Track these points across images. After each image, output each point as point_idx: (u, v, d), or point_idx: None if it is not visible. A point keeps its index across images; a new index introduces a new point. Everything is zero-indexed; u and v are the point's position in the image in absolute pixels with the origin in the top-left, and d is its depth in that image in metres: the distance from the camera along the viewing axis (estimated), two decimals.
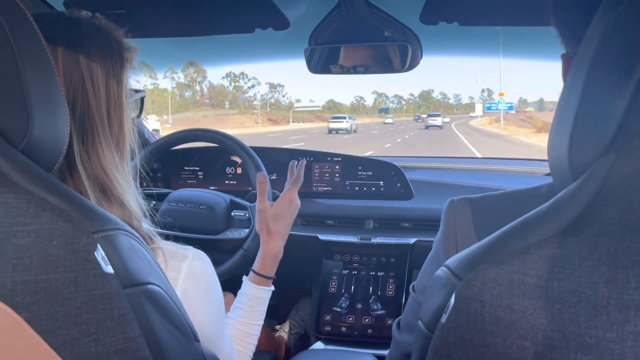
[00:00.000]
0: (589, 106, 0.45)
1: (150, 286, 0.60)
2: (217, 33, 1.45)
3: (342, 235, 1.76)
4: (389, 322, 1.62)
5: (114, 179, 0.74)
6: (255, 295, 1.13)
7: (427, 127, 42.29)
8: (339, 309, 1.66)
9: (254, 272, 1.16)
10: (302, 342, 1.92)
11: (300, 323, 1.95)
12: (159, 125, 31.56)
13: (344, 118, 36.65)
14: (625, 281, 0.41)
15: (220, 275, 0.86)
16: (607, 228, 0.43)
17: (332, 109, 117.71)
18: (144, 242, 0.64)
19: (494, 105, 55.98)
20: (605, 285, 0.42)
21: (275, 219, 1.20)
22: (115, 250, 0.57)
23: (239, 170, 1.93)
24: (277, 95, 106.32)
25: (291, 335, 1.89)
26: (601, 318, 0.41)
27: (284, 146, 2.02)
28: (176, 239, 0.81)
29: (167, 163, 1.95)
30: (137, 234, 0.63)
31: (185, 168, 1.95)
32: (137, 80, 0.86)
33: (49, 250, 0.53)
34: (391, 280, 1.69)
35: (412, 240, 1.69)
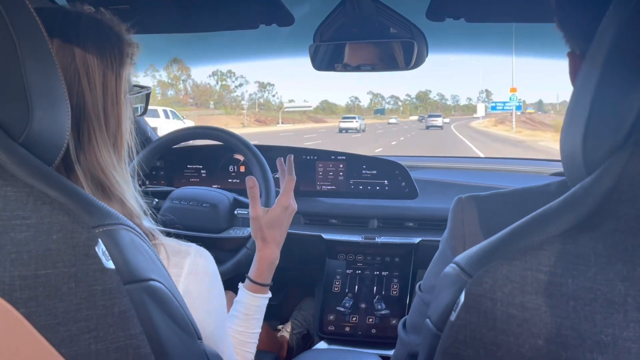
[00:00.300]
0: (603, 101, 0.45)
1: (152, 282, 0.59)
2: (221, 29, 1.44)
3: (346, 234, 1.75)
4: (393, 322, 1.61)
5: (112, 178, 0.72)
6: (252, 303, 1.11)
7: (427, 127, 43.30)
8: (342, 309, 1.65)
9: (250, 279, 1.13)
10: (305, 341, 1.90)
11: (303, 323, 1.94)
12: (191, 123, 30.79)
13: (354, 118, 39.05)
14: None
15: (222, 274, 0.85)
16: (624, 224, 0.42)
17: (326, 109, 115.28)
18: (146, 237, 0.63)
19: (500, 105, 48.43)
20: (622, 283, 0.40)
21: (270, 227, 1.15)
22: (117, 245, 0.56)
23: (243, 169, 1.92)
24: (266, 94, 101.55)
25: (293, 335, 1.87)
26: (618, 316, 0.40)
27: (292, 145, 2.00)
28: (178, 237, 0.80)
29: (169, 161, 1.94)
30: (138, 230, 0.62)
31: (188, 166, 1.95)
32: None
33: (48, 245, 0.52)
34: (395, 280, 1.68)
35: (416, 240, 1.68)
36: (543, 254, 0.44)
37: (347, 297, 1.67)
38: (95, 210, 0.56)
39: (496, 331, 0.44)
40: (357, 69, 1.41)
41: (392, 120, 63.36)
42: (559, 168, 2.02)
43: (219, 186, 1.89)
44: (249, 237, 1.46)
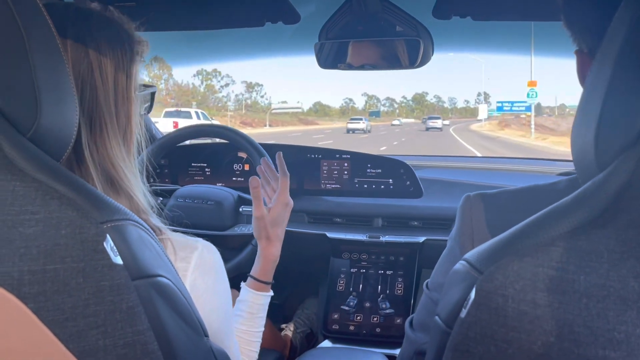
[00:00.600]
0: (615, 98, 0.44)
1: (159, 278, 0.59)
2: (227, 27, 1.44)
3: (350, 233, 1.75)
4: (398, 321, 1.60)
5: (120, 171, 0.73)
6: (256, 301, 1.11)
7: (427, 129, 43.99)
8: (347, 308, 1.64)
9: (254, 278, 1.14)
10: (308, 340, 1.90)
11: (306, 322, 1.94)
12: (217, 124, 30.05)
13: (360, 119, 41.22)
14: None
15: (228, 272, 0.85)
16: (637, 221, 0.41)
17: (319, 111, 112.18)
18: (153, 233, 0.63)
19: (507, 105, 40.59)
20: (635, 280, 0.40)
21: (273, 225, 1.17)
22: (125, 241, 0.56)
23: (247, 167, 1.92)
24: (255, 95, 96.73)
25: (297, 334, 1.87)
26: (631, 313, 0.40)
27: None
28: (185, 233, 0.80)
29: (174, 159, 1.94)
30: (146, 225, 0.62)
31: (193, 164, 1.95)
32: None
33: (56, 240, 0.52)
34: (400, 279, 1.67)
35: (421, 239, 1.68)
36: (555, 251, 0.44)
37: (351, 296, 1.66)
38: (103, 206, 0.56)
39: (507, 328, 0.44)
40: (364, 67, 1.41)
41: (396, 122, 64.17)
42: (565, 168, 2.01)
43: (223, 184, 1.89)
44: None
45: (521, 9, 1.24)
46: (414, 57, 1.35)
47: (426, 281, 0.82)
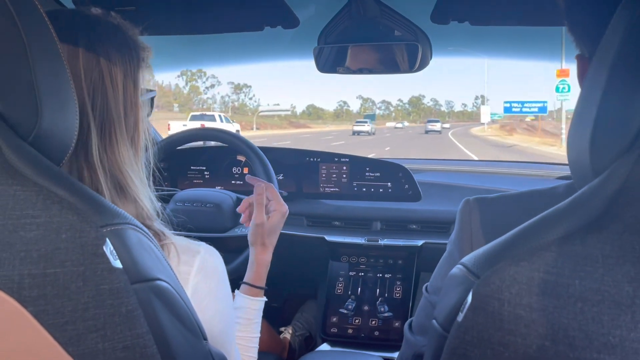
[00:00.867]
0: (610, 103, 0.45)
1: (158, 282, 0.59)
2: (226, 31, 1.44)
3: (349, 236, 1.75)
4: (396, 324, 1.61)
5: (128, 177, 0.74)
6: (252, 307, 1.13)
7: (426, 131, 44.91)
8: (345, 311, 1.65)
9: (249, 284, 1.16)
10: (307, 344, 1.90)
11: (305, 325, 1.94)
12: (238, 127, 30.38)
13: (366, 122, 43.64)
14: None
15: (230, 273, 0.86)
16: (632, 226, 0.42)
17: (313, 114, 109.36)
18: (152, 237, 0.63)
19: (517, 106, 33.75)
20: (629, 284, 0.40)
21: (270, 233, 1.20)
22: (124, 245, 0.56)
23: (246, 170, 1.92)
24: (242, 97, 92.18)
25: (296, 337, 1.87)
26: (625, 317, 0.40)
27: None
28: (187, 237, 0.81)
29: (173, 163, 1.94)
30: (146, 229, 0.62)
31: (192, 168, 1.95)
32: None
33: (57, 244, 0.53)
34: (398, 283, 1.68)
35: (420, 242, 1.68)
36: (550, 255, 0.44)
37: (350, 299, 1.67)
38: (103, 210, 0.57)
39: (503, 332, 0.45)
40: (365, 70, 1.42)
41: (399, 125, 64.57)
42: (564, 172, 2.02)
43: (222, 187, 1.89)
44: None
45: (519, 14, 1.25)
46: (412, 62, 1.36)
47: (425, 284, 0.82)
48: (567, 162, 0.53)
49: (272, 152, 1.84)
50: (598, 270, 0.42)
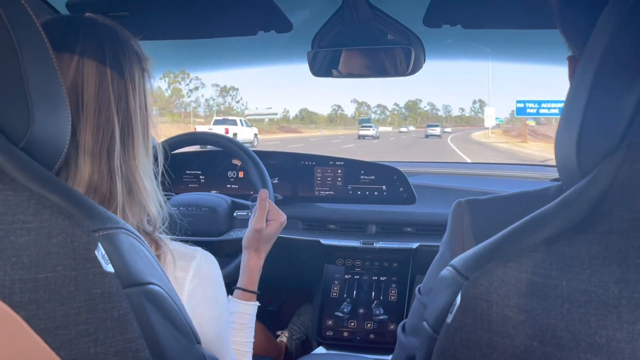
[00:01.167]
0: (597, 103, 0.45)
1: (151, 286, 0.60)
2: (220, 36, 1.45)
3: (344, 239, 1.75)
4: (392, 327, 1.61)
5: (141, 183, 0.76)
6: (245, 312, 1.14)
7: (427, 135, 45.43)
8: (341, 314, 1.65)
9: (242, 289, 1.17)
10: (304, 347, 1.90)
11: (302, 328, 1.94)
12: (256, 131, 31.25)
13: (371, 127, 45.36)
14: (637, 280, 0.40)
15: (225, 277, 0.86)
16: (618, 226, 0.42)
17: (306, 119, 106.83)
18: (145, 242, 0.64)
19: (532, 107, 28.45)
20: (616, 285, 0.41)
21: (267, 241, 1.22)
22: (116, 249, 0.57)
23: (241, 174, 1.92)
24: (229, 100, 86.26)
25: (292, 341, 1.87)
26: (612, 318, 0.40)
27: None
28: (181, 242, 0.81)
29: (168, 167, 1.94)
30: (138, 234, 0.62)
31: (187, 172, 1.95)
32: None
33: (48, 249, 0.53)
34: (394, 285, 1.68)
35: (414, 245, 1.68)
36: (538, 256, 0.44)
37: (345, 302, 1.67)
38: (95, 214, 0.57)
39: (492, 333, 0.45)
40: (359, 74, 1.42)
41: (403, 129, 65.85)
42: (556, 174, 2.02)
43: (217, 191, 1.90)
44: None
45: (511, 18, 1.26)
46: (406, 65, 1.36)
47: (418, 286, 0.83)
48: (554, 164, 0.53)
49: (266, 156, 1.85)
50: (585, 271, 0.42)
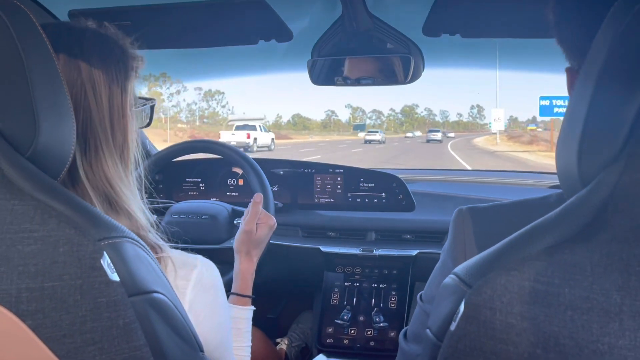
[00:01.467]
0: (598, 113, 0.46)
1: (155, 295, 0.60)
2: (220, 45, 1.46)
3: (344, 247, 1.75)
4: (392, 334, 1.61)
5: (119, 191, 0.73)
6: (242, 316, 1.14)
7: (428, 140, 46.04)
8: (341, 321, 1.64)
9: (237, 294, 1.17)
10: (303, 355, 1.90)
11: (301, 336, 1.94)
12: (273, 135, 31.95)
13: (377, 132, 45.84)
14: (638, 288, 0.41)
15: (227, 284, 0.86)
16: (619, 234, 0.43)
17: (298, 124, 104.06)
18: (150, 250, 0.64)
19: (561, 105, 20.10)
20: (618, 292, 0.41)
21: (257, 244, 1.22)
22: (121, 258, 0.57)
23: (241, 182, 1.93)
24: (215, 105, 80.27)
25: (292, 348, 1.87)
26: (614, 325, 0.41)
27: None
28: (182, 250, 0.81)
29: (168, 175, 1.95)
30: (143, 243, 0.63)
31: (187, 180, 1.95)
32: None
33: (54, 258, 0.53)
34: (393, 292, 1.68)
35: (414, 252, 1.69)
36: (540, 264, 0.45)
37: (345, 310, 1.67)
38: (100, 224, 0.57)
39: (495, 340, 0.45)
40: (357, 82, 1.43)
41: (409, 135, 66.29)
42: (556, 181, 2.03)
43: (217, 199, 1.90)
44: None
45: (509, 27, 1.27)
46: (405, 74, 1.38)
47: (420, 293, 0.83)
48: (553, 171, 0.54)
49: (266, 164, 1.85)
50: (587, 279, 0.43)
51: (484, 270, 0.48)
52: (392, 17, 1.29)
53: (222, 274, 0.86)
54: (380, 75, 1.42)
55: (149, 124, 0.92)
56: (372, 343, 1.62)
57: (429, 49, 1.38)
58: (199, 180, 1.95)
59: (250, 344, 1.13)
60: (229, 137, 26.58)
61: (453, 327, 0.49)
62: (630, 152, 0.44)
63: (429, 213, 1.82)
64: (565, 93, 0.62)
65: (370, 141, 41.69)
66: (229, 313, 0.86)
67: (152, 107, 0.90)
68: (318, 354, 1.65)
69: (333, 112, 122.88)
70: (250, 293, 1.19)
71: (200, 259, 0.79)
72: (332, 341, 1.65)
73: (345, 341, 1.64)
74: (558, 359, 0.42)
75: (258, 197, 1.23)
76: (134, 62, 0.77)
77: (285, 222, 1.81)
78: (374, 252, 1.70)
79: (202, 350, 0.70)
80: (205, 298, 0.77)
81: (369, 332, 1.63)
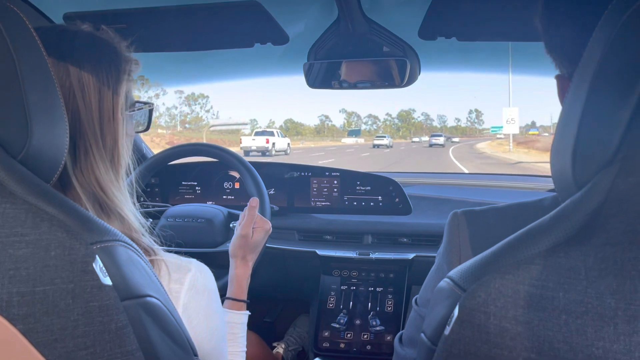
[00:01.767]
0: (591, 119, 0.46)
1: (148, 299, 0.59)
2: (216, 48, 1.46)
3: (340, 250, 1.75)
4: (388, 338, 1.60)
5: (110, 194, 0.72)
6: (237, 321, 1.13)
7: (430, 145, 47.71)
8: (337, 325, 1.64)
9: (232, 299, 1.17)
10: (300, 359, 1.90)
11: (298, 340, 1.93)
12: (289, 140, 33.65)
13: (384, 137, 48.66)
14: (633, 292, 0.41)
15: (222, 289, 0.86)
16: (613, 238, 0.43)
17: (291, 130, 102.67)
18: (142, 254, 0.64)
19: None
20: (612, 296, 0.41)
21: (253, 249, 1.22)
22: (114, 262, 0.57)
23: (237, 185, 1.93)
24: (197, 109, 78.20)
25: (288, 352, 1.87)
26: (608, 329, 0.41)
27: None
28: (178, 253, 0.81)
29: (164, 178, 1.94)
30: (135, 246, 0.62)
31: (183, 183, 1.95)
32: None
33: (46, 261, 0.53)
34: (390, 296, 1.68)
35: (410, 256, 1.69)
36: (535, 268, 0.45)
37: (341, 314, 1.66)
38: (93, 227, 0.57)
39: (490, 344, 0.45)
40: (354, 86, 1.43)
41: (415, 139, 68.40)
42: (552, 185, 2.03)
43: (213, 202, 1.90)
44: None
45: (504, 30, 1.27)
46: (401, 77, 1.38)
47: (415, 297, 0.83)
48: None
49: (263, 167, 1.85)
50: (581, 283, 0.43)
51: (479, 274, 0.48)
52: (388, 21, 1.29)
53: (217, 278, 0.86)
54: (377, 79, 1.42)
55: (147, 129, 0.91)
56: (368, 347, 1.61)
57: (426, 52, 1.38)
58: (195, 183, 1.94)
59: (246, 349, 1.12)
60: (250, 142, 28.52)
61: (447, 331, 0.49)
62: (624, 156, 0.44)
63: (425, 216, 1.82)
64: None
65: (378, 145, 44.23)
66: (224, 317, 0.86)
67: (150, 111, 0.89)
68: (315, 357, 1.65)
69: (327, 117, 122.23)
70: (245, 297, 1.18)
71: (194, 262, 0.78)
72: (328, 345, 1.64)
73: (342, 345, 1.63)
74: None
75: (254, 201, 1.22)
76: (126, 65, 0.77)
77: (282, 226, 1.80)
78: (371, 255, 1.70)
79: (196, 355, 0.69)
80: (199, 302, 0.76)
81: (365, 336, 1.63)
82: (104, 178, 0.72)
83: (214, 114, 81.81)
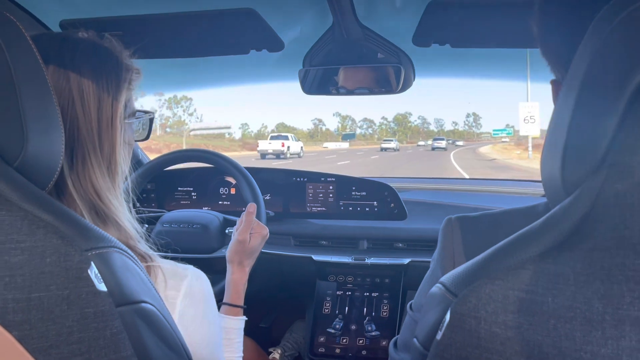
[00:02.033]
0: (580, 123, 0.46)
1: (143, 305, 0.60)
2: (212, 54, 1.47)
3: (336, 255, 1.75)
4: (383, 343, 1.60)
5: (107, 201, 0.73)
6: (233, 327, 1.13)
7: (433, 148, 48.75)
8: (333, 330, 1.64)
9: (229, 304, 1.17)
10: None
11: (294, 345, 1.93)
12: (302, 144, 34.76)
13: (391, 140, 50.39)
14: (620, 296, 0.41)
15: (218, 295, 0.86)
16: (601, 244, 0.43)
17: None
18: (138, 260, 0.64)
19: None
20: (600, 301, 0.42)
21: (250, 254, 1.22)
22: (109, 268, 0.57)
23: (233, 191, 1.93)
24: (180, 112, 75.34)
25: (284, 358, 1.86)
26: (596, 333, 0.41)
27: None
28: (174, 259, 0.81)
29: (160, 184, 1.95)
30: (131, 253, 0.63)
31: (179, 188, 1.95)
32: None
33: (41, 268, 0.53)
34: (385, 301, 1.68)
35: (406, 261, 1.69)
36: (525, 273, 0.45)
37: (337, 319, 1.67)
38: (88, 234, 0.57)
39: (481, 349, 0.46)
40: (352, 92, 1.44)
41: (421, 143, 68.76)
42: None
43: (209, 208, 1.90)
44: None
45: (497, 37, 1.28)
46: (396, 83, 1.39)
47: (410, 302, 0.83)
48: None
49: (258, 173, 1.85)
50: (570, 288, 0.43)
51: (469, 279, 0.48)
52: (383, 27, 1.30)
53: (214, 283, 0.86)
54: (375, 85, 1.43)
55: (147, 137, 0.92)
56: (364, 352, 1.61)
57: (421, 58, 1.39)
58: (191, 189, 1.95)
59: (242, 355, 1.12)
60: (267, 145, 30.27)
61: (439, 336, 0.49)
62: (612, 162, 0.45)
63: (421, 222, 1.83)
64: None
65: (385, 149, 45.52)
66: (220, 324, 0.86)
67: (150, 120, 0.89)
68: None
69: (320, 120, 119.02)
70: (242, 303, 1.18)
71: (190, 269, 0.79)
72: (324, 350, 1.64)
73: (337, 350, 1.63)
74: None
75: (252, 207, 1.22)
76: (127, 73, 0.77)
77: (277, 231, 1.81)
78: (366, 260, 1.70)
79: None
80: (195, 309, 0.76)
81: (360, 341, 1.63)
82: (101, 185, 0.72)
83: (197, 117, 79.08)
